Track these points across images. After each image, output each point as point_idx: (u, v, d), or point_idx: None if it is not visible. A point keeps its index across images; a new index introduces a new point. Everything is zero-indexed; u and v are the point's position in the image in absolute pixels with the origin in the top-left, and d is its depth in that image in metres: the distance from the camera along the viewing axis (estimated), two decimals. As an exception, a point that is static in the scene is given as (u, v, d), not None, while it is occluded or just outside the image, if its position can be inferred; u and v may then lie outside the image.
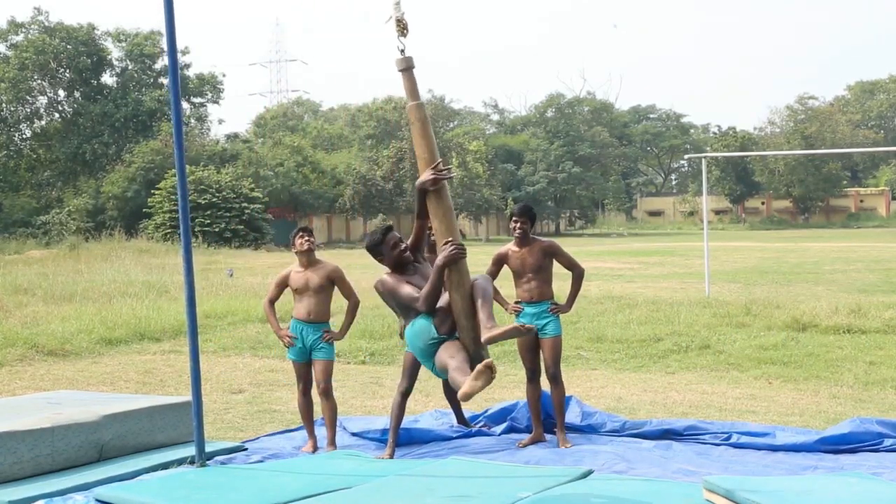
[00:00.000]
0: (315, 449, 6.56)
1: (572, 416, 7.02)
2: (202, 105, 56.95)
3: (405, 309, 5.30)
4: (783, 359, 10.19)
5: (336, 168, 57.66)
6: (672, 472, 5.70)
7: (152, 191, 42.69)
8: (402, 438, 6.57)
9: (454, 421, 7.23)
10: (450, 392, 7.15)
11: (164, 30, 5.27)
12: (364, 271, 22.57)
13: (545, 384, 6.79)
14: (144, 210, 42.98)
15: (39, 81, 52.58)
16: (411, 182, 56.04)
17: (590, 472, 5.31)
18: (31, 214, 47.03)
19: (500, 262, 6.75)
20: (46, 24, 51.89)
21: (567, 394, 6.91)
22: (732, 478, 4.93)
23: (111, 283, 18.44)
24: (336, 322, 6.80)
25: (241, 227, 42.23)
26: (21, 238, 40.77)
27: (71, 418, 5.73)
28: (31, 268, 23.92)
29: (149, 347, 11.98)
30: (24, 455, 5.39)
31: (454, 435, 6.95)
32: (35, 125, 54.63)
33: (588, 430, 6.98)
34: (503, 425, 7.15)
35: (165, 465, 5.76)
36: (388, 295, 5.42)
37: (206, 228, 39.72)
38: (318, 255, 6.82)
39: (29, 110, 53.85)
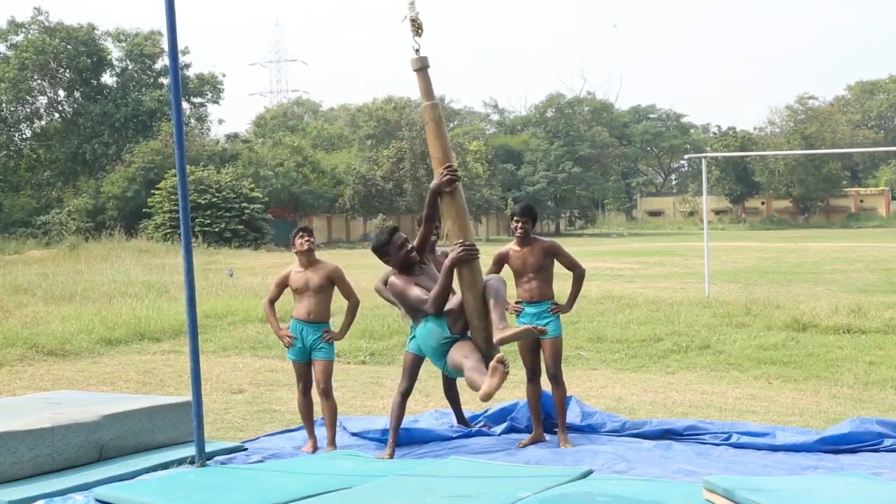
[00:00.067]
0: (315, 449, 6.56)
1: (572, 416, 7.02)
2: (202, 105, 57.00)
3: (414, 310, 5.29)
4: (783, 359, 10.19)
5: (336, 168, 57.66)
6: (672, 472, 5.70)
7: (152, 191, 42.70)
8: (402, 438, 6.57)
9: (454, 421, 7.24)
10: (450, 392, 7.16)
11: (164, 30, 5.28)
12: (364, 271, 22.58)
13: (545, 384, 6.79)
14: (144, 210, 42.98)
15: (39, 81, 52.59)
16: (411, 182, 56.08)
17: (590, 472, 5.31)
18: (31, 214, 47.03)
19: (500, 261, 6.75)
20: (46, 24, 51.91)
21: (567, 394, 6.91)
22: (732, 478, 4.93)
23: (111, 283, 18.44)
24: (336, 322, 6.80)
25: (241, 227, 42.24)
26: (21, 238, 40.77)
27: (71, 418, 5.73)
28: (31, 268, 23.92)
29: (149, 347, 11.98)
30: (24, 455, 5.39)
31: (454, 435, 6.95)
32: (35, 125, 54.66)
33: (588, 430, 6.98)
34: (503, 425, 7.15)
35: (165, 465, 5.76)
36: (397, 296, 5.40)
37: (206, 228, 39.73)
38: (318, 255, 6.82)
39: (29, 110, 53.87)
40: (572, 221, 79.56)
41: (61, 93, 54.43)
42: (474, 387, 4.78)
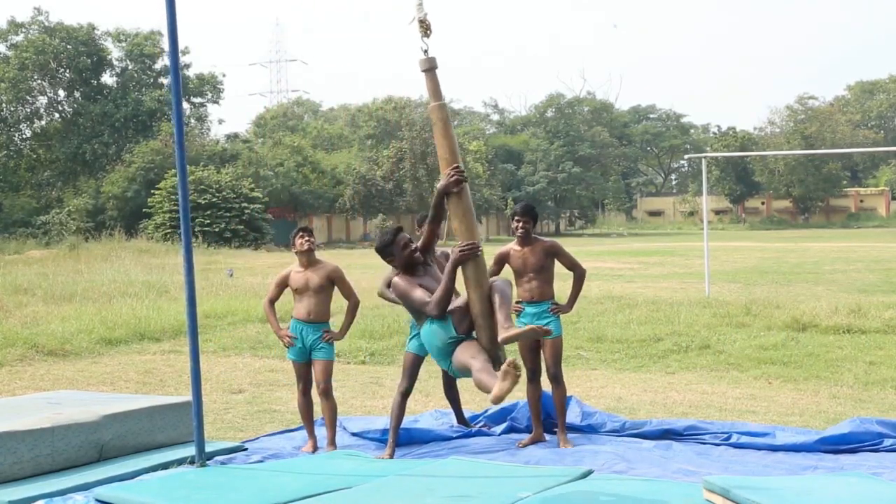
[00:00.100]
0: (315, 449, 6.56)
1: (572, 416, 7.02)
2: (202, 105, 57.02)
3: (417, 311, 5.29)
4: (783, 359, 10.19)
5: (336, 168, 57.66)
6: (672, 472, 5.70)
7: (152, 191, 42.71)
8: (402, 438, 6.57)
9: (454, 421, 7.24)
10: (450, 392, 7.16)
11: (164, 30, 5.28)
12: (364, 271, 22.57)
13: (545, 384, 6.79)
14: (144, 210, 42.99)
15: (39, 81, 52.61)
16: (411, 182, 56.06)
17: (590, 472, 5.31)
18: (31, 214, 47.04)
19: (501, 261, 6.74)
20: (46, 24, 51.92)
21: (567, 394, 6.90)
22: (732, 478, 4.93)
23: (111, 283, 18.44)
24: (336, 322, 6.81)
25: (241, 227, 42.24)
26: (21, 238, 40.77)
27: (71, 418, 5.73)
28: (31, 268, 23.92)
29: (149, 347, 11.98)
30: (24, 455, 5.39)
31: (454, 435, 6.95)
32: (35, 125, 54.67)
33: (588, 430, 6.98)
34: (503, 425, 7.15)
35: (165, 465, 5.76)
36: (400, 297, 5.39)
37: (206, 228, 39.74)
38: (318, 255, 6.82)
39: (29, 110, 53.88)
40: (572, 221, 79.56)
41: (61, 93, 54.46)
42: (484, 388, 4.76)
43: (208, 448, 5.89)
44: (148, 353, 11.64)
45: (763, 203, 78.91)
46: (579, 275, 6.84)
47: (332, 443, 6.56)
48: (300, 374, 6.70)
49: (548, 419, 6.85)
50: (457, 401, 7.18)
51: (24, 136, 54.82)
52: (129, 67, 54.95)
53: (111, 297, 16.35)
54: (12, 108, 52.66)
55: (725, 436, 6.66)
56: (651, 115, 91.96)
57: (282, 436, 7.03)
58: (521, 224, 6.69)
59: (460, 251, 5.09)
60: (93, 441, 5.77)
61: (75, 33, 52.19)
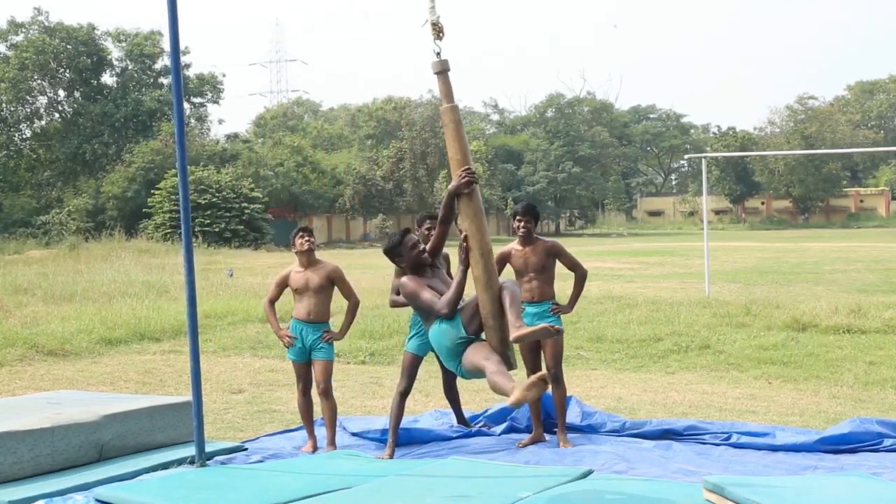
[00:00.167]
0: (315, 449, 6.56)
1: (572, 416, 7.02)
2: (202, 105, 57.01)
3: (426, 313, 5.27)
4: (783, 359, 10.19)
5: (336, 168, 57.67)
6: (672, 472, 5.70)
7: (152, 191, 42.72)
8: (402, 438, 6.57)
9: (454, 421, 7.23)
10: (450, 392, 7.15)
11: (164, 30, 5.27)
12: (364, 271, 22.58)
13: (545, 384, 6.78)
14: (144, 210, 43.00)
15: (39, 81, 52.61)
16: (411, 182, 56.11)
17: (590, 472, 5.31)
18: (31, 214, 47.04)
19: (502, 260, 6.74)
20: (46, 24, 51.92)
21: (567, 394, 6.90)
22: (732, 478, 4.93)
23: (111, 283, 18.44)
24: (336, 322, 6.80)
25: (241, 227, 42.25)
26: (21, 238, 40.77)
27: (71, 418, 5.73)
28: (31, 268, 23.92)
29: (149, 347, 11.98)
30: (24, 455, 5.39)
31: (454, 435, 6.95)
32: (35, 125, 54.67)
33: (588, 430, 6.98)
34: (503, 425, 7.15)
35: (165, 465, 5.76)
36: (408, 297, 5.35)
37: (206, 228, 39.74)
38: (318, 255, 6.82)
39: (29, 110, 53.88)
40: (572, 221, 79.56)
41: (61, 93, 54.46)
42: (499, 391, 4.74)
43: (208, 448, 5.89)
44: (148, 353, 11.63)
45: (763, 203, 78.91)
46: (580, 275, 6.84)
47: (332, 443, 6.56)
48: (300, 374, 6.70)
49: (548, 419, 6.85)
50: (457, 401, 7.17)
51: (24, 136, 54.84)
52: (129, 67, 54.96)
53: (111, 297, 16.35)
54: (12, 108, 52.66)
55: (725, 436, 6.66)
56: (651, 115, 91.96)
57: (282, 436, 7.03)
58: (522, 224, 6.70)
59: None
60: (93, 441, 5.77)
61: (75, 33, 52.19)
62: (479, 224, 5.15)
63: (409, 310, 6.76)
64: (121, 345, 12.08)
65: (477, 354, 4.95)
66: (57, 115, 54.77)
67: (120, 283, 18.70)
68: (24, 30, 52.05)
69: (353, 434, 7.02)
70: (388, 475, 5.39)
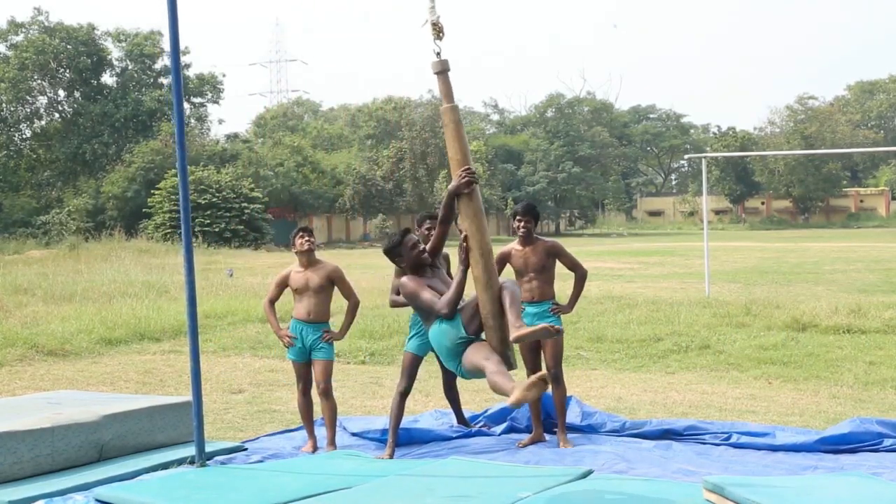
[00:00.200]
0: (315, 449, 6.56)
1: (572, 416, 7.02)
2: (202, 105, 57.01)
3: (426, 313, 5.26)
4: (783, 359, 10.19)
5: (336, 168, 57.67)
6: (672, 472, 5.70)
7: (152, 191, 42.73)
8: (402, 438, 6.57)
9: (454, 421, 7.23)
10: (450, 392, 7.15)
11: (164, 30, 5.27)
12: (364, 271, 22.59)
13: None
14: (144, 210, 43.00)
15: (39, 81, 52.61)
16: (411, 182, 56.10)
17: (590, 472, 5.31)
18: (31, 214, 47.05)
19: (503, 260, 6.73)
20: (46, 24, 51.92)
21: (567, 394, 6.90)
22: (732, 478, 4.93)
23: (111, 283, 18.44)
24: (336, 322, 6.80)
25: (241, 227, 42.25)
26: (21, 238, 40.77)
27: (71, 418, 5.73)
28: (31, 268, 23.92)
29: (149, 347, 11.98)
30: (24, 455, 5.39)
31: (454, 435, 6.95)
32: (35, 125, 54.67)
33: (588, 430, 6.98)
34: (503, 425, 7.15)
35: (165, 465, 5.76)
36: (408, 297, 5.35)
37: (206, 228, 39.75)
38: (318, 255, 6.82)
39: (29, 110, 53.88)
40: (572, 221, 79.56)
41: (61, 93, 54.47)
42: (499, 391, 4.74)
43: (208, 448, 5.89)
44: (148, 353, 11.64)
45: (763, 203, 78.91)
46: (581, 275, 6.84)
47: (332, 443, 6.56)
48: (300, 374, 6.70)
49: (548, 419, 6.85)
50: (457, 401, 7.17)
51: (24, 136, 54.84)
52: (129, 67, 54.96)
53: (111, 297, 16.35)
54: (12, 108, 52.66)
55: (725, 436, 6.66)
56: (651, 115, 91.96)
57: (282, 436, 7.03)
58: (522, 223, 6.70)
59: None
60: (93, 441, 5.77)
61: (75, 33, 52.20)
62: (479, 224, 5.15)
63: (410, 310, 6.76)
64: (121, 345, 12.08)
65: (477, 354, 4.95)
66: (57, 115, 54.79)
67: (120, 283, 18.70)
68: (24, 30, 52.06)
69: (353, 434, 7.02)
70: (388, 475, 5.39)
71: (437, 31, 5.22)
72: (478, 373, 4.97)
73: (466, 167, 5.17)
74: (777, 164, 72.48)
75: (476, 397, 8.27)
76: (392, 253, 5.51)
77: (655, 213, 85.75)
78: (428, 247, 5.47)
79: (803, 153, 66.68)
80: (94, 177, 50.51)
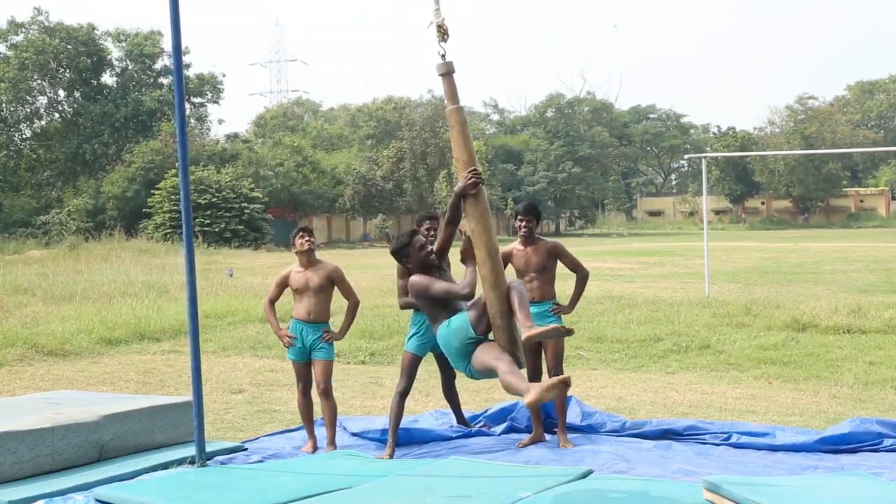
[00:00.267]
0: (315, 449, 6.56)
1: (572, 416, 7.02)
2: (202, 105, 57.02)
3: (436, 307, 5.24)
4: (783, 359, 10.19)
5: (336, 168, 57.69)
6: (672, 472, 5.70)
7: (152, 191, 42.74)
8: (402, 438, 6.57)
9: (454, 421, 7.23)
10: (449, 392, 7.15)
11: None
12: (364, 271, 22.59)
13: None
14: (144, 210, 43.01)
15: (39, 81, 52.62)
16: (411, 182, 56.12)
17: (590, 472, 5.31)
18: (31, 214, 47.06)
19: (504, 260, 6.73)
20: (46, 24, 51.94)
21: (567, 394, 6.90)
22: (732, 478, 4.93)
23: (111, 283, 18.44)
24: (336, 322, 6.80)
25: (241, 227, 42.26)
26: (21, 238, 40.79)
27: (71, 418, 5.73)
28: (31, 268, 23.93)
29: (149, 347, 11.98)
30: (24, 455, 5.39)
31: (454, 435, 6.95)
32: (35, 125, 54.69)
33: (588, 430, 6.98)
34: (503, 425, 7.14)
35: (165, 465, 5.76)
36: (421, 291, 5.34)
37: (206, 228, 39.75)
38: (318, 255, 6.82)
39: (29, 110, 53.90)
40: (572, 221, 79.55)
41: (61, 93, 54.48)
42: (513, 391, 4.74)
43: (208, 448, 5.89)
44: (148, 353, 11.64)
45: (763, 203, 78.91)
46: (582, 276, 6.83)
47: (332, 443, 6.56)
48: (300, 374, 6.70)
49: (548, 419, 6.85)
50: (456, 401, 7.17)
51: (24, 136, 54.86)
52: (129, 67, 54.98)
53: (111, 297, 16.35)
54: (12, 108, 52.68)
55: (725, 436, 6.66)
56: (651, 116, 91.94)
57: (282, 436, 7.03)
58: (524, 223, 6.70)
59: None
60: (93, 441, 5.77)
61: (75, 33, 52.21)
62: (485, 224, 5.17)
63: (410, 310, 6.77)
64: (121, 345, 12.08)
65: (487, 354, 4.95)
66: (57, 115, 54.80)
67: (120, 283, 18.70)
68: (24, 30, 52.08)
69: (353, 434, 7.02)
70: (388, 475, 5.39)
71: (442, 33, 5.23)
72: (488, 373, 4.98)
73: (472, 168, 5.18)
74: (777, 164, 72.48)
75: (476, 397, 8.27)
76: (400, 254, 5.50)
77: (655, 213, 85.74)
78: (434, 247, 5.48)
79: (803, 153, 66.67)
80: (94, 177, 50.52)
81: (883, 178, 78.94)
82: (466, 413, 7.31)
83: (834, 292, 17.27)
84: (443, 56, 5.25)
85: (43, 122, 54.79)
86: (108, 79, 55.08)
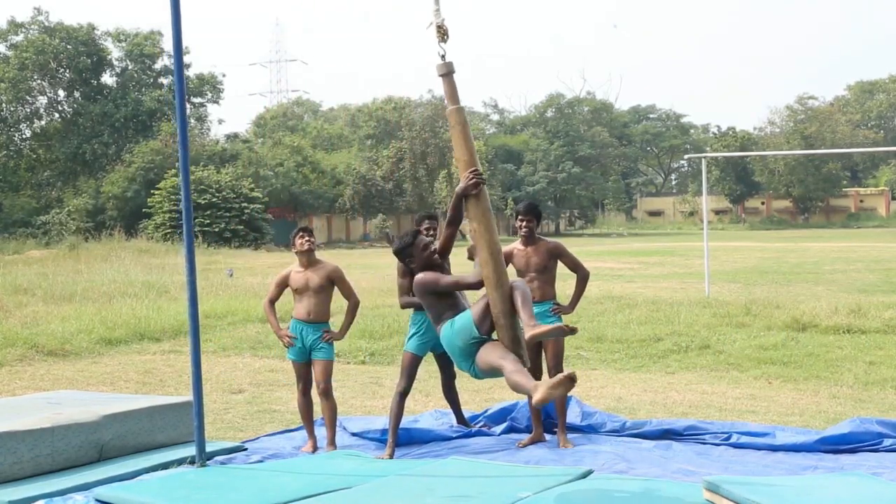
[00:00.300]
0: (315, 449, 6.56)
1: (572, 416, 7.02)
2: (202, 105, 57.03)
3: (440, 307, 5.22)
4: (783, 359, 10.19)
5: (336, 168, 57.69)
6: (672, 472, 5.70)
7: (152, 191, 42.74)
8: (402, 438, 6.57)
9: (454, 421, 7.23)
10: (449, 392, 7.15)
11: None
12: (364, 271, 22.60)
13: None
14: (144, 210, 43.02)
15: (39, 81, 52.63)
16: (411, 182, 56.12)
17: (590, 472, 5.31)
18: (31, 214, 47.06)
19: (504, 260, 6.73)
20: (46, 24, 51.94)
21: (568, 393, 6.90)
22: (732, 478, 4.93)
23: (111, 283, 18.44)
24: (336, 322, 6.80)
25: (241, 227, 42.26)
26: (21, 238, 40.79)
27: (71, 418, 5.73)
28: (31, 268, 23.93)
29: (149, 347, 11.98)
30: (24, 455, 5.39)
31: (454, 435, 6.95)
32: (35, 125, 54.70)
33: (588, 430, 6.98)
34: (503, 425, 7.14)
35: (165, 465, 5.76)
36: (429, 286, 5.29)
37: (206, 228, 39.75)
38: (318, 255, 6.82)
39: (29, 110, 53.90)
40: (572, 221, 79.56)
41: (61, 93, 54.49)
42: (520, 390, 4.74)
43: (208, 448, 5.89)
44: (148, 353, 11.64)
45: (763, 203, 78.91)
46: (582, 276, 6.83)
47: (332, 443, 6.56)
48: (300, 374, 6.70)
49: (548, 419, 6.85)
50: (456, 401, 7.17)
51: (24, 136, 54.86)
52: (129, 67, 54.99)
53: (111, 297, 16.35)
54: (12, 108, 52.69)
55: (725, 436, 6.66)
56: (651, 115, 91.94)
57: (282, 436, 7.03)
58: (524, 223, 6.70)
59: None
60: (93, 441, 5.77)
61: (75, 33, 52.21)
62: (487, 224, 5.17)
63: (410, 310, 6.77)
64: (121, 345, 12.08)
65: (492, 354, 4.95)
66: (57, 115, 54.80)
67: (120, 283, 18.70)
68: (24, 30, 52.08)
69: (353, 434, 7.02)
70: (388, 475, 5.39)
71: (442, 33, 5.23)
72: (493, 372, 4.98)
73: (474, 168, 5.18)
74: (777, 164, 72.48)
75: (476, 397, 8.27)
76: (403, 253, 5.50)
77: (655, 213, 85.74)
78: (436, 247, 5.49)
79: (803, 153, 66.67)
80: (94, 177, 50.52)
81: (883, 178, 78.94)
82: (466, 413, 7.31)
83: (834, 292, 17.27)
84: (443, 56, 5.26)
85: (43, 122, 54.81)
86: (108, 79, 55.16)
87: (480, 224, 5.15)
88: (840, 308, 13.09)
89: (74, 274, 21.34)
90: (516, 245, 6.79)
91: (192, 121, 54.91)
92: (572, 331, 5.02)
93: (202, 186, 41.69)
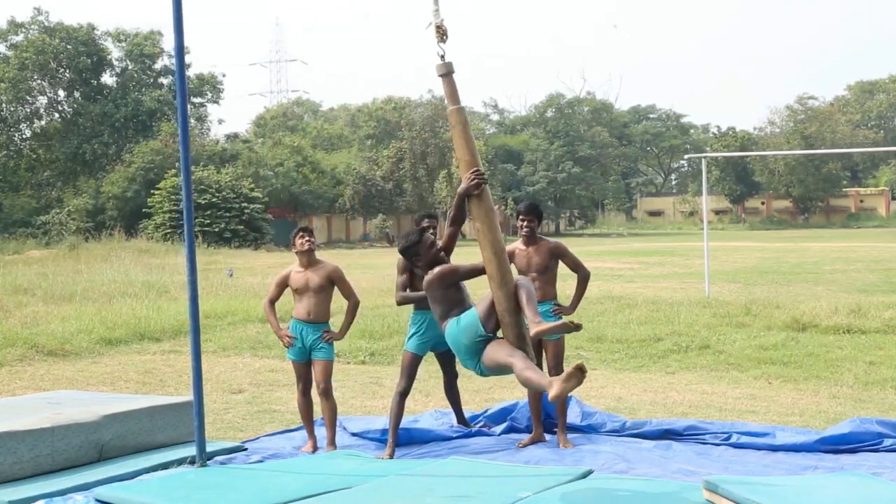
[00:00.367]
0: (315, 449, 6.56)
1: (572, 416, 7.02)
2: (202, 105, 57.03)
3: (446, 304, 5.21)
4: (783, 359, 10.19)
5: (336, 168, 57.68)
6: (672, 472, 5.70)
7: (152, 191, 42.75)
8: (402, 438, 6.57)
9: (454, 421, 7.23)
10: (450, 392, 7.15)
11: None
12: (364, 271, 22.60)
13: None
14: (144, 210, 43.02)
15: (39, 81, 52.63)
16: (411, 182, 56.11)
17: (590, 472, 5.31)
18: (31, 214, 47.07)
19: (507, 259, 6.74)
20: (46, 24, 51.95)
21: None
22: (732, 478, 4.93)
23: (111, 283, 18.44)
24: (336, 322, 6.80)
25: (241, 227, 42.27)
26: (21, 238, 40.80)
27: (71, 418, 5.73)
28: (31, 268, 23.93)
29: (149, 347, 11.98)
30: (24, 455, 5.39)
31: (454, 435, 6.95)
32: (35, 125, 54.70)
33: (588, 430, 6.98)
34: (503, 425, 7.14)
35: (165, 465, 5.76)
36: (447, 277, 5.24)
37: (206, 228, 39.75)
38: (318, 255, 6.82)
39: (29, 110, 53.90)
40: (572, 221, 79.54)
41: (61, 93, 54.49)
42: (533, 387, 4.75)
43: (208, 448, 5.89)
44: (148, 353, 11.63)
45: (763, 203, 78.91)
46: (583, 276, 6.83)
47: (332, 443, 6.56)
48: (300, 374, 6.70)
49: (548, 419, 6.85)
50: (457, 401, 7.17)
51: (24, 136, 54.87)
52: (129, 67, 54.99)
53: (111, 297, 16.35)
54: (12, 108, 52.69)
55: (725, 436, 6.66)
56: (651, 116, 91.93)
57: (282, 436, 7.03)
58: (525, 223, 6.70)
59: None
60: (93, 441, 5.77)
61: (75, 33, 52.21)
62: (490, 223, 5.18)
63: (410, 309, 6.77)
64: (121, 345, 12.08)
65: (500, 352, 4.95)
66: (57, 115, 54.80)
67: (120, 283, 18.70)
68: (24, 30, 52.08)
69: (353, 434, 7.02)
70: (388, 475, 5.39)
71: (442, 34, 5.23)
72: (500, 370, 4.98)
73: (475, 168, 5.19)
74: (777, 164, 72.47)
75: (476, 397, 8.28)
76: (409, 252, 5.49)
77: (655, 213, 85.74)
78: (440, 245, 5.50)
79: (803, 153, 66.67)
80: (94, 177, 50.53)
81: (883, 178, 78.94)
82: (466, 413, 7.31)
83: (834, 292, 17.27)
84: (442, 57, 5.26)
85: (43, 122, 54.82)
86: (108, 79, 55.16)
87: (484, 223, 5.16)
88: (840, 308, 13.09)
89: (74, 274, 21.34)
90: (517, 245, 6.79)
91: (193, 121, 54.90)
92: (577, 327, 5.01)
93: (202, 186, 41.68)
